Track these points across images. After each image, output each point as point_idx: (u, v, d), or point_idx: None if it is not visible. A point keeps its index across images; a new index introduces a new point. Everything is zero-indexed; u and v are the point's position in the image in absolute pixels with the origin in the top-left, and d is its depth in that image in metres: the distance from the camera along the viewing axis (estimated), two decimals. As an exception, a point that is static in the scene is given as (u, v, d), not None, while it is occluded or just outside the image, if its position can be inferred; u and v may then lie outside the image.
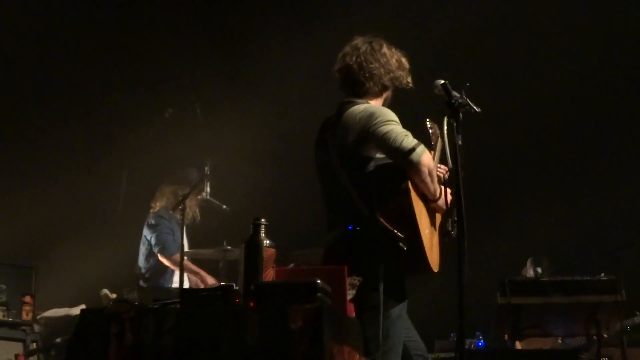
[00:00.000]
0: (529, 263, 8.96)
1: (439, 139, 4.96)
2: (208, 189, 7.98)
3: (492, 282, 7.26)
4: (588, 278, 7.20)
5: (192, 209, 8.42)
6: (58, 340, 7.36)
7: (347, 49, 5.03)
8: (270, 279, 3.92)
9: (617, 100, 10.43)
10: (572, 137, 10.40)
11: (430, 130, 4.99)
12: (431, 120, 5.01)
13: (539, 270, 7.29)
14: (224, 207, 8.21)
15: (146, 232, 8.58)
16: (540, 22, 10.18)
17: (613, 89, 10.33)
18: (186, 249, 8.12)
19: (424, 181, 4.68)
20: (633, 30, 10.07)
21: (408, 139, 4.63)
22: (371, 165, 4.73)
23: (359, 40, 5.04)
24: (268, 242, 3.95)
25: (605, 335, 7.65)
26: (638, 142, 10.36)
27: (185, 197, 7.99)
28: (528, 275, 8.95)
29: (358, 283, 4.25)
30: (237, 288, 3.86)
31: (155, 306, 3.86)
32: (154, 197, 8.75)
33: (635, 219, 10.11)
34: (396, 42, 5.10)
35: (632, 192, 10.28)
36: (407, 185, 4.63)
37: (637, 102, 10.34)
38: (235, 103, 9.80)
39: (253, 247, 3.92)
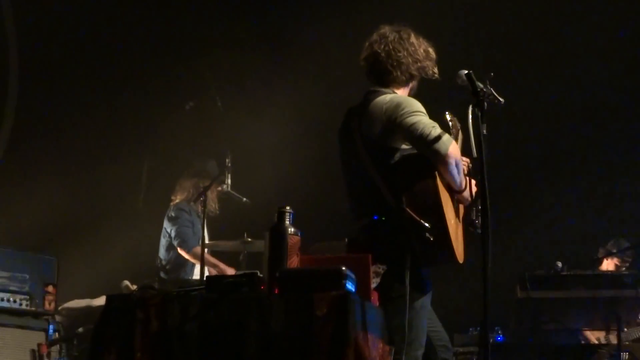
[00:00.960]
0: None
1: (459, 131, 4.96)
2: (229, 181, 8.00)
3: (511, 276, 7.25)
4: (609, 272, 7.19)
5: (212, 201, 8.44)
6: (80, 330, 7.40)
7: (375, 37, 5.01)
8: (295, 267, 3.93)
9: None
10: (596, 132, 10.37)
11: (450, 123, 4.98)
12: (450, 113, 5.00)
13: (560, 264, 7.25)
14: (244, 199, 8.24)
15: (166, 225, 8.60)
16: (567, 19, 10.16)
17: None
18: (207, 241, 8.15)
19: (450, 172, 4.67)
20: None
21: (435, 130, 4.61)
22: (397, 156, 4.70)
23: (386, 29, 5.01)
24: (293, 229, 3.96)
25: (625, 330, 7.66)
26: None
27: (206, 189, 8.02)
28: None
29: (382, 271, 4.26)
30: (261, 275, 3.87)
31: (180, 292, 3.88)
32: (175, 190, 8.78)
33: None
34: (423, 33, 5.10)
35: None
36: (434, 177, 4.63)
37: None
38: (255, 95, 9.81)
39: (278, 234, 3.94)
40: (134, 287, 7.39)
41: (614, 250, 9.06)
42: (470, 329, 8.40)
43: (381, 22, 5.12)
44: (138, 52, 10.13)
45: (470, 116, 4.31)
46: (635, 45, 10.04)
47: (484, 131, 4.28)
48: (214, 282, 3.93)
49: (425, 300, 4.72)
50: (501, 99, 4.50)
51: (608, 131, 10.41)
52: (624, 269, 8.98)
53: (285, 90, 9.77)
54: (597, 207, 10.18)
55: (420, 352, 4.66)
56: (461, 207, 4.96)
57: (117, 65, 10.09)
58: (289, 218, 3.99)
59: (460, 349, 8.12)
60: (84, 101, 9.97)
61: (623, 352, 7.34)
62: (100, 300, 7.71)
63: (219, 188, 8.28)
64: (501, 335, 8.38)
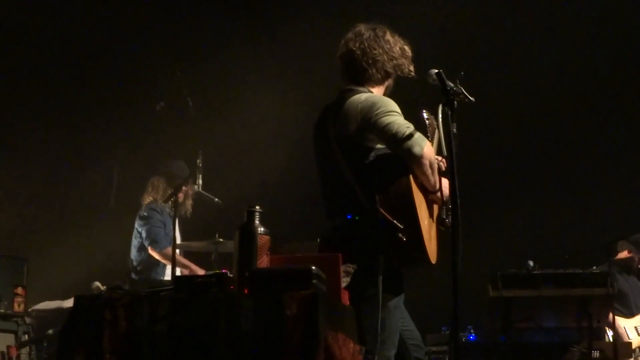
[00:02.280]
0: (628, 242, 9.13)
1: (435, 130, 4.95)
2: (200, 182, 7.97)
3: (483, 275, 7.27)
4: (579, 271, 7.22)
5: (183, 201, 8.42)
6: (50, 331, 7.35)
7: (350, 35, 5.00)
8: (265, 266, 3.91)
9: (614, 94, 10.47)
10: (568, 130, 10.43)
11: (427, 121, 4.98)
12: (427, 111, 4.99)
13: (531, 263, 7.28)
14: (216, 199, 8.21)
15: (138, 225, 8.57)
16: (535, 13, 10.20)
17: (613, 80, 10.38)
18: (178, 241, 8.12)
19: (424, 173, 4.67)
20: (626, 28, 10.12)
21: (410, 131, 4.61)
22: (372, 155, 4.71)
23: (362, 27, 5.01)
24: (262, 229, 3.94)
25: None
26: (633, 137, 10.40)
27: (177, 189, 7.99)
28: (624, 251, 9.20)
29: (352, 271, 4.25)
30: (231, 275, 3.85)
31: (149, 293, 3.85)
32: (146, 190, 8.74)
33: (628, 213, 10.14)
34: (397, 31, 5.09)
35: (625, 186, 10.32)
36: (408, 177, 4.62)
37: (632, 96, 10.40)
38: (226, 95, 9.78)
39: (247, 234, 3.91)
40: (104, 288, 7.34)
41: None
42: (443, 328, 8.42)
43: (355, 21, 5.12)
44: (108, 51, 10.08)
45: (440, 115, 4.31)
46: (610, 43, 10.11)
47: (454, 130, 4.27)
48: (183, 282, 3.90)
49: (398, 301, 4.72)
50: (471, 98, 4.50)
51: (579, 130, 10.48)
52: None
53: (256, 90, 9.76)
54: (569, 206, 10.24)
55: (392, 352, 4.66)
56: (435, 207, 4.96)
57: (87, 64, 10.04)
58: (259, 218, 3.96)
59: (433, 348, 8.14)
60: (54, 100, 9.92)
61: (594, 351, 7.37)
62: (71, 302, 7.60)
63: (190, 189, 8.26)
64: (474, 334, 8.40)
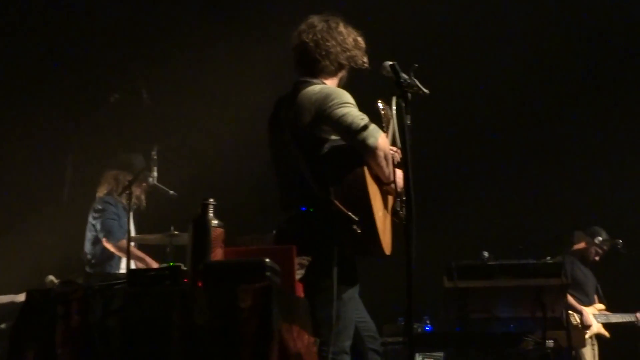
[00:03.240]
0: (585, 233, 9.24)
1: (390, 121, 4.95)
2: (155, 174, 7.92)
3: (438, 266, 7.29)
4: (533, 262, 7.26)
5: (138, 194, 8.38)
6: (2, 325, 7.29)
7: (303, 26, 4.99)
8: (219, 259, 3.90)
9: (568, 86, 10.57)
10: (522, 122, 10.51)
11: (382, 112, 4.98)
12: (383, 102, 4.99)
13: (486, 254, 7.31)
14: (171, 192, 8.17)
15: (92, 218, 8.50)
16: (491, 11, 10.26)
17: (566, 73, 10.47)
18: (133, 234, 8.08)
19: (379, 164, 4.67)
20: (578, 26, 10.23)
21: (364, 122, 4.61)
22: (326, 147, 4.70)
23: (314, 18, 5.00)
24: (216, 222, 3.92)
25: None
26: (586, 129, 10.50)
27: (131, 182, 7.94)
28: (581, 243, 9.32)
29: (307, 263, 4.25)
30: (185, 268, 3.83)
31: (102, 287, 3.83)
32: (100, 183, 8.68)
33: (580, 204, 10.25)
34: (352, 24, 5.09)
35: (578, 178, 10.42)
36: (362, 168, 4.62)
37: (586, 88, 10.50)
38: (182, 88, 9.73)
39: (201, 226, 3.90)
40: (58, 282, 7.28)
41: (601, 238, 9.35)
42: (399, 319, 8.45)
43: (311, 11, 5.11)
44: (62, 41, 9.98)
45: (394, 107, 4.32)
46: (566, 38, 10.19)
47: (409, 122, 4.28)
48: (137, 276, 3.88)
49: (353, 292, 4.72)
50: (425, 90, 4.51)
51: (533, 122, 10.56)
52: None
53: (211, 82, 9.72)
54: (523, 197, 10.31)
55: (347, 343, 4.66)
56: (390, 198, 4.96)
57: (39, 55, 9.94)
58: (213, 210, 3.95)
59: (389, 339, 8.15)
60: (5, 90, 9.80)
61: (548, 340, 7.43)
62: (24, 296, 7.58)
63: (145, 182, 8.22)
64: (429, 325, 8.44)
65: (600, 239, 9.49)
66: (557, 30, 10.19)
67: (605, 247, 9.57)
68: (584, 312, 9.19)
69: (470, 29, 10.25)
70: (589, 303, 9.46)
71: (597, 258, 9.66)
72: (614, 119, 10.47)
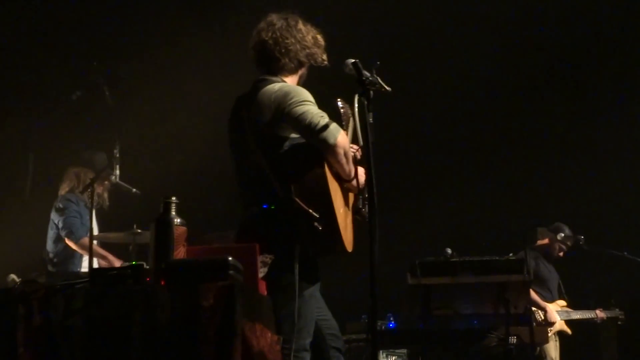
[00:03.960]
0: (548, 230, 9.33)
1: (350, 119, 4.97)
2: (118, 172, 7.90)
3: (402, 263, 7.31)
4: (496, 258, 7.28)
5: (100, 192, 8.34)
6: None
7: (262, 24, 5.00)
8: (182, 258, 3.89)
9: (530, 84, 10.63)
10: (485, 119, 10.55)
11: (342, 110, 4.99)
12: (342, 100, 5.00)
13: (449, 251, 7.33)
14: (134, 190, 8.16)
15: (54, 216, 8.47)
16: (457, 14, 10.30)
17: (528, 72, 10.53)
18: (95, 232, 8.04)
19: (339, 162, 4.69)
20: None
21: (324, 120, 4.63)
22: (286, 145, 4.71)
23: (274, 17, 5.01)
24: (179, 220, 3.91)
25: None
26: (549, 126, 10.57)
27: (93, 180, 7.90)
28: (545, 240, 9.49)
29: (270, 261, 4.25)
30: (147, 267, 3.82)
31: (64, 286, 3.80)
32: (62, 180, 8.64)
33: (542, 201, 10.31)
34: (312, 21, 5.10)
35: (539, 174, 10.49)
36: (323, 166, 4.64)
37: (548, 86, 10.57)
38: (145, 84, 9.69)
39: (163, 225, 3.88)
40: (20, 280, 7.23)
41: (563, 234, 9.43)
42: (362, 317, 8.45)
43: (271, 9, 5.10)
44: (21, 38, 9.90)
45: (356, 105, 4.32)
46: (527, 38, 10.26)
47: (371, 120, 4.29)
48: (99, 274, 3.86)
49: (314, 289, 4.74)
50: (388, 88, 4.53)
51: (496, 120, 10.61)
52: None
53: (173, 80, 9.69)
54: (485, 194, 10.36)
55: (308, 341, 4.67)
56: (351, 195, 4.98)
57: (0, 51, 9.86)
58: (175, 208, 3.93)
59: (353, 336, 8.17)
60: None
61: (511, 337, 7.47)
62: (-15, 295, 7.53)
63: (107, 180, 8.19)
64: (393, 322, 8.45)
65: (563, 235, 9.56)
66: (522, 28, 10.24)
67: (568, 243, 9.63)
68: (548, 309, 9.26)
69: (433, 26, 10.27)
70: (552, 299, 9.53)
71: (560, 254, 9.73)
72: (575, 115, 10.55)
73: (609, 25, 10.37)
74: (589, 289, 10.23)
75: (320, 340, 4.82)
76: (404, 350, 8.38)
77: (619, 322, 9.94)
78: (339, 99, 5.00)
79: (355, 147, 4.91)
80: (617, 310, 9.88)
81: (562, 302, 9.60)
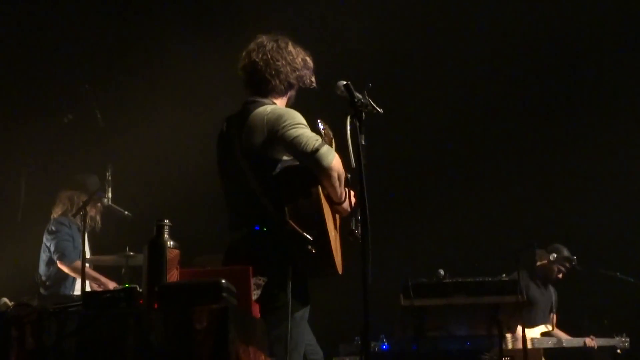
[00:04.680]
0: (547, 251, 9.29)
1: (332, 140, 4.98)
2: (110, 195, 7.89)
3: (394, 285, 7.30)
4: (489, 279, 7.28)
5: (92, 215, 8.34)
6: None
7: (252, 46, 5.01)
8: (175, 280, 3.88)
9: (524, 103, 10.65)
10: (476, 140, 10.57)
11: (323, 132, 4.98)
12: (323, 122, 5.01)
13: (442, 272, 7.33)
14: (126, 212, 8.15)
15: (46, 239, 8.46)
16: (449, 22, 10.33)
17: (521, 98, 10.57)
18: (88, 255, 8.03)
19: (332, 185, 4.71)
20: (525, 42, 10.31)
21: (318, 143, 4.64)
22: (279, 167, 4.72)
23: (264, 38, 5.02)
24: (172, 243, 3.90)
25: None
26: (541, 147, 10.58)
27: (85, 203, 7.91)
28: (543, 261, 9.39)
29: (263, 283, 4.24)
30: (140, 290, 3.81)
31: (57, 309, 3.79)
32: (54, 203, 8.64)
33: (533, 221, 10.31)
34: (303, 44, 5.11)
35: (530, 195, 10.49)
36: (317, 189, 4.65)
37: (541, 107, 10.59)
38: (136, 108, 9.69)
39: (156, 248, 3.87)
40: (12, 304, 7.21)
41: (556, 255, 9.32)
42: (356, 338, 8.43)
43: (259, 32, 5.12)
44: (14, 62, 9.90)
45: (348, 127, 4.33)
46: (519, 53, 10.28)
47: (363, 142, 4.30)
48: (92, 298, 3.85)
49: (304, 312, 4.74)
50: (379, 110, 4.54)
51: (487, 141, 10.63)
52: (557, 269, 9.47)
53: (164, 102, 9.70)
54: (478, 215, 10.36)
55: (299, 363, 4.67)
56: (338, 217, 4.99)
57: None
58: (168, 231, 3.93)
59: (346, 358, 8.16)
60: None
61: (505, 358, 7.46)
62: (-23, 319, 7.50)
63: (99, 203, 8.19)
64: (386, 344, 8.43)
65: (555, 256, 9.46)
66: (505, 46, 10.27)
67: (567, 265, 9.50)
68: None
69: (421, 51, 10.31)
70: (535, 323, 9.33)
71: (560, 276, 9.56)
72: (569, 136, 10.56)
73: (607, 42, 10.40)
74: (582, 310, 10.16)
75: (305, 365, 4.82)
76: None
77: (618, 351, 9.55)
78: (319, 120, 5.00)
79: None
80: (617, 338, 9.54)
81: (543, 328, 9.40)
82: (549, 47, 10.44)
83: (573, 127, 10.51)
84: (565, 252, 9.50)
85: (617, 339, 9.53)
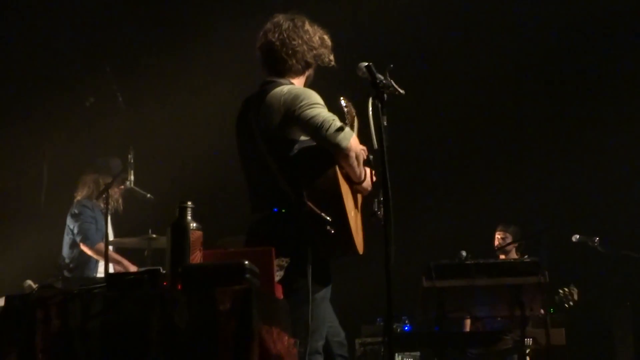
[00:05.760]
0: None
1: (355, 118, 4.97)
2: (132, 178, 7.91)
3: (416, 266, 7.31)
4: (511, 260, 7.27)
5: (115, 197, 8.37)
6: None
7: (269, 25, 4.98)
8: (198, 262, 3.90)
9: (543, 90, 10.62)
10: (495, 121, 10.54)
11: (345, 109, 4.97)
12: (345, 98, 4.99)
13: (464, 253, 7.32)
14: (148, 195, 8.17)
15: (69, 222, 8.50)
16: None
17: (534, 83, 10.54)
18: (111, 238, 8.07)
19: (351, 165, 4.69)
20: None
21: (335, 123, 4.62)
22: (296, 148, 4.71)
23: (280, 17, 4.99)
24: (195, 224, 3.92)
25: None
26: (564, 128, 10.55)
27: (108, 185, 7.94)
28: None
29: (286, 264, 4.25)
30: (164, 271, 3.83)
31: (82, 291, 3.82)
32: (77, 187, 8.68)
33: (554, 203, 10.28)
34: (327, 24, 5.10)
35: (551, 179, 10.46)
36: (335, 169, 4.64)
37: (549, 87, 10.56)
38: (158, 90, 9.72)
39: (180, 230, 3.88)
40: (37, 286, 7.25)
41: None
42: (378, 320, 8.47)
43: (277, 12, 5.10)
44: (35, 46, 9.94)
45: (370, 108, 4.32)
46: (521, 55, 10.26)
47: (385, 123, 4.29)
48: (116, 279, 3.87)
49: (326, 292, 4.73)
50: (401, 90, 4.52)
51: (510, 120, 10.60)
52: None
53: (186, 84, 9.71)
54: (500, 196, 10.34)
55: (320, 343, 4.67)
56: (359, 197, 4.97)
57: (12, 60, 9.89)
58: (191, 213, 3.94)
59: (369, 339, 8.19)
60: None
61: (527, 339, 7.46)
62: (2, 301, 7.54)
63: (122, 185, 8.22)
64: (408, 325, 8.46)
65: (578, 237, 9.40)
66: (508, 41, 10.26)
67: (590, 244, 9.41)
68: None
69: (442, 32, 10.29)
70: None
71: None
72: (588, 118, 10.51)
73: (608, 39, 10.37)
74: (603, 291, 10.12)
75: (326, 347, 4.81)
76: (417, 353, 8.37)
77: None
78: (342, 98, 4.99)
79: (364, 148, 4.89)
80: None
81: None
82: (556, 41, 10.42)
83: (591, 106, 10.46)
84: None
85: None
